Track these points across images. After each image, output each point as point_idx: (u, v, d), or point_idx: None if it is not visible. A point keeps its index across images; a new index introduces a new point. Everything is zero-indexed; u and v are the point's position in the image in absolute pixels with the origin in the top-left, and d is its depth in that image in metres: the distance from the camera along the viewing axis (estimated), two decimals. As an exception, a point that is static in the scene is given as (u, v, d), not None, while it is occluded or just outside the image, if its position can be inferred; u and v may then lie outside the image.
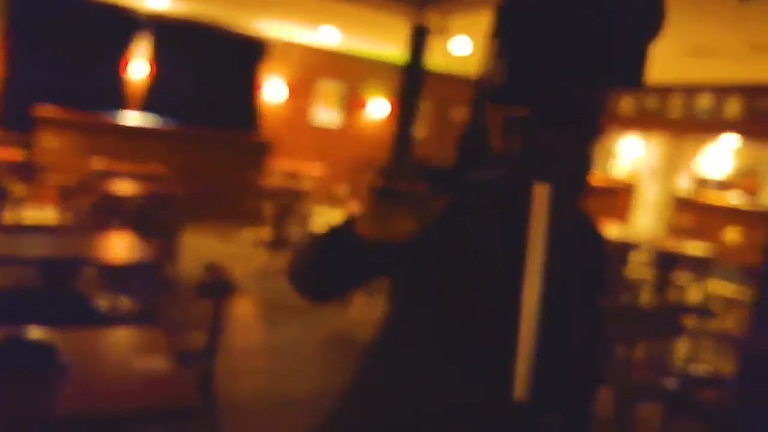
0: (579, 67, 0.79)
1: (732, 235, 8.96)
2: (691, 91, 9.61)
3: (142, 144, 8.56)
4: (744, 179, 10.80)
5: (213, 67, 10.00)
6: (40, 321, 1.88)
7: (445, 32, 7.56)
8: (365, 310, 5.40)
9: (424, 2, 7.70)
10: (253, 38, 10.49)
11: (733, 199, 9.70)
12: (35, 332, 1.63)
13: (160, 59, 9.58)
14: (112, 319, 2.58)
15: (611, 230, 7.50)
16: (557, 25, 0.76)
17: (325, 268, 1.07)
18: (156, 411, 1.58)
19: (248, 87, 10.43)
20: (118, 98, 9.35)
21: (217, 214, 8.29)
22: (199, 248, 6.57)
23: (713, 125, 9.47)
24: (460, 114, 12.42)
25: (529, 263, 0.84)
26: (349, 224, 0.98)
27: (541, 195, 0.83)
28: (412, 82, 8.39)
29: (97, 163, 6.77)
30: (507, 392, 1.05)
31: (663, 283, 6.18)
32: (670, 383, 3.50)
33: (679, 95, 9.80)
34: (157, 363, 1.79)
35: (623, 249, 6.30)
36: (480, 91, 0.96)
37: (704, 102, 9.47)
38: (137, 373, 1.72)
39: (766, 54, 6.92)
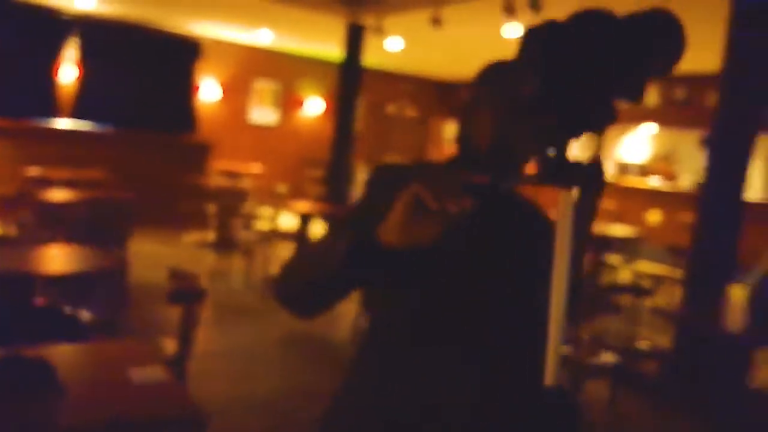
0: (602, 83, 0.86)
1: (654, 216, 9.48)
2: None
3: (78, 150, 8.23)
4: (662, 164, 11.43)
5: (146, 69, 9.68)
6: (24, 338, 1.83)
7: (381, 32, 7.62)
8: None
9: (358, 2, 7.74)
10: (187, 38, 10.23)
11: (654, 182, 10.27)
12: (31, 351, 1.59)
13: (91, 62, 9.21)
14: (92, 332, 2.51)
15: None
16: (584, 47, 0.84)
17: (337, 281, 1.06)
18: (161, 422, 1.58)
19: (184, 87, 10.17)
20: (51, 104, 8.94)
21: (159, 218, 8.07)
22: (143, 254, 6.40)
23: (633, 114, 9.96)
24: (394, 109, 12.55)
25: (557, 263, 0.92)
26: (365, 233, 1.00)
27: (566, 200, 0.91)
28: (349, 79, 8.44)
29: (34, 171, 6.46)
30: (505, 388, 1.13)
31: (596, 264, 6.50)
32: (614, 359, 3.71)
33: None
34: (154, 374, 1.77)
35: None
36: (505, 105, 1.03)
37: (624, 93, 9.96)
38: (137, 386, 1.70)
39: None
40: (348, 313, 5.46)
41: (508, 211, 1.22)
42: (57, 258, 3.48)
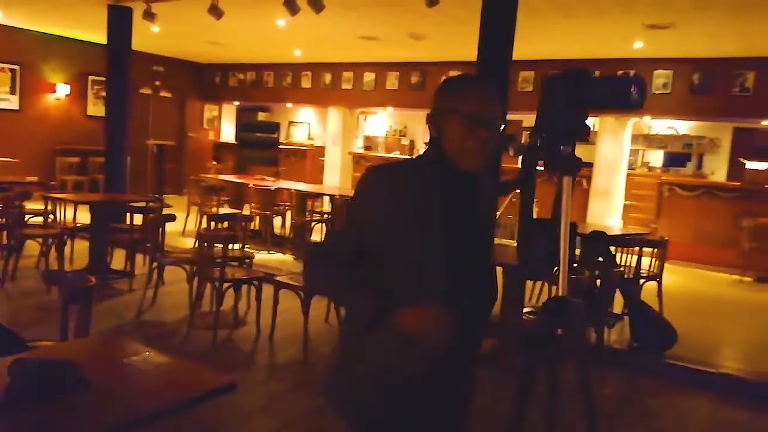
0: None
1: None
2: (358, 68, 11.01)
3: None
4: (396, 137, 12.91)
5: None
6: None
7: (151, 16, 7.25)
8: (140, 295, 5.25)
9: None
10: None
11: (395, 153, 11.59)
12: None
13: None
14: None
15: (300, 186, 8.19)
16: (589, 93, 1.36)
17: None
18: (194, 397, 1.70)
19: None
20: None
21: None
22: None
23: (376, 96, 11.06)
24: (149, 91, 11.85)
25: (564, 217, 1.44)
26: (385, 308, 1.38)
27: (568, 182, 1.44)
28: (116, 62, 7.88)
29: None
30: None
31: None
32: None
33: (349, 72, 11.14)
34: (155, 358, 1.85)
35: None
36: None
37: (369, 77, 10.98)
38: (152, 371, 1.78)
39: (420, 40, 8.48)
40: (174, 306, 5.39)
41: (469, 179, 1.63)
42: None
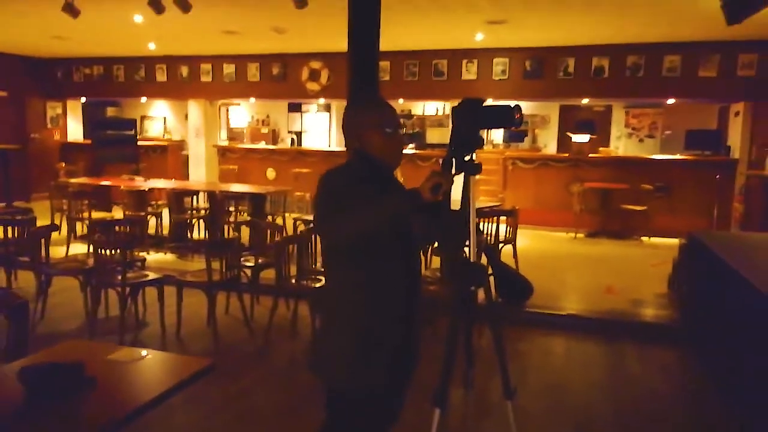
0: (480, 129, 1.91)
1: (271, 173, 10.96)
2: (218, 60, 10.94)
3: None
4: (258, 126, 12.98)
5: None
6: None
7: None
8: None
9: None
10: None
11: (261, 144, 11.71)
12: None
13: None
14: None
15: (169, 184, 8.19)
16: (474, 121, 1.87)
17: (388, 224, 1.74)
18: (182, 381, 1.98)
19: None
20: None
21: None
22: None
23: (237, 88, 11.08)
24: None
25: (471, 206, 1.97)
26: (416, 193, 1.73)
27: (472, 180, 1.96)
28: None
29: None
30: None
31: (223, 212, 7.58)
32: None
33: (208, 64, 11.03)
34: (134, 354, 2.10)
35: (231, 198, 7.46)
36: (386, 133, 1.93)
37: (230, 69, 10.96)
38: (136, 365, 2.04)
39: (282, 34, 8.71)
40: (66, 317, 5.28)
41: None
42: None
